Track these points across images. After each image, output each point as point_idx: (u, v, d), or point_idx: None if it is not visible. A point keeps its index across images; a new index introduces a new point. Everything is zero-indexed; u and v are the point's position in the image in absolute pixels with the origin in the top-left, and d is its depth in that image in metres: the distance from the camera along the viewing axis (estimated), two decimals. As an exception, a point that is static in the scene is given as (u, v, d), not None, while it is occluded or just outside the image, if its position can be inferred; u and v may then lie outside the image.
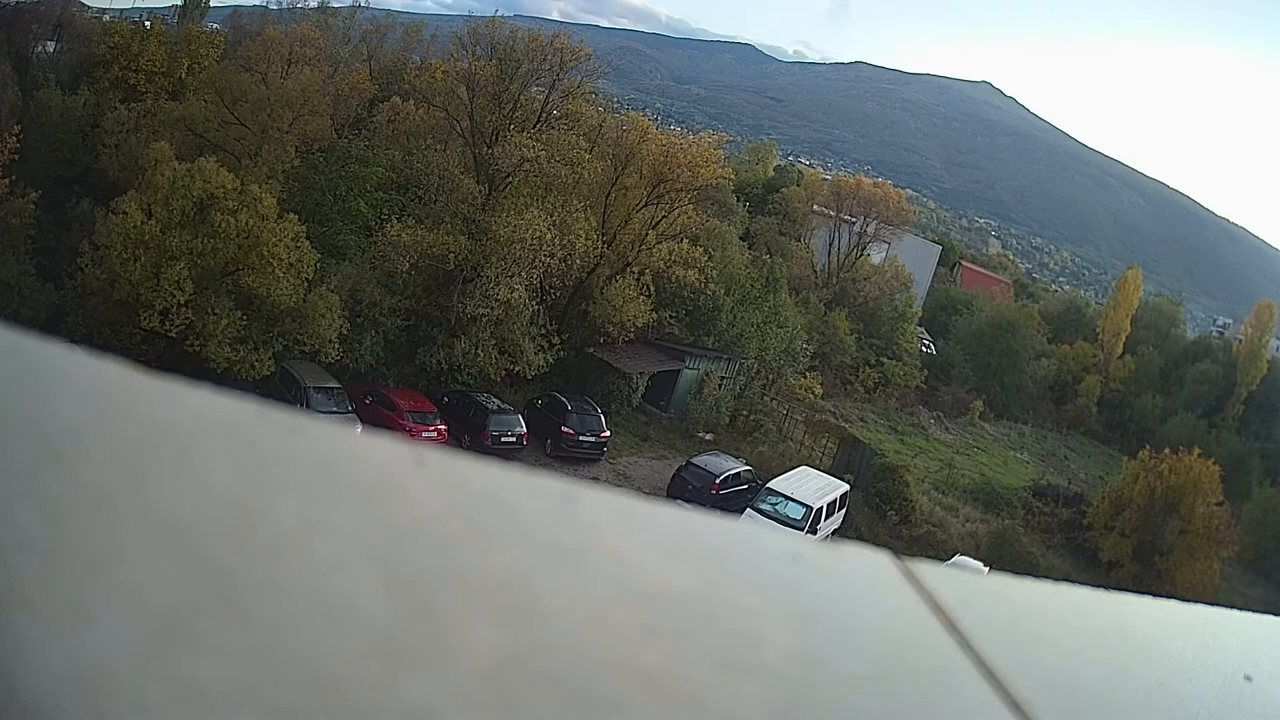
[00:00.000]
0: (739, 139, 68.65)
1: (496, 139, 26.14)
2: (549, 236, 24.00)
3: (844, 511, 23.77)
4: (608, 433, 24.21)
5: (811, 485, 23.08)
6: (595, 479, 20.56)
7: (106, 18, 36.09)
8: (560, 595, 0.64)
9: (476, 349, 24.36)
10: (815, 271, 38.77)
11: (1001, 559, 24.30)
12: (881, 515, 25.37)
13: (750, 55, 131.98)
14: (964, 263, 60.60)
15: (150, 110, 26.14)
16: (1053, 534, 28.46)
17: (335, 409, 20.72)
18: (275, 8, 40.42)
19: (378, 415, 21.59)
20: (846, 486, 24.15)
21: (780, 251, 36.78)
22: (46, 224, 22.57)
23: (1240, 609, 1.15)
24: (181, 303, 20.64)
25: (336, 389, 21.89)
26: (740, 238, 35.96)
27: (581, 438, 23.76)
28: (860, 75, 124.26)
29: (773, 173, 55.05)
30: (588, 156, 26.75)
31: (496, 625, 0.60)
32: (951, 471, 30.85)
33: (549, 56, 27.72)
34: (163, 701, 0.47)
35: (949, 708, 0.72)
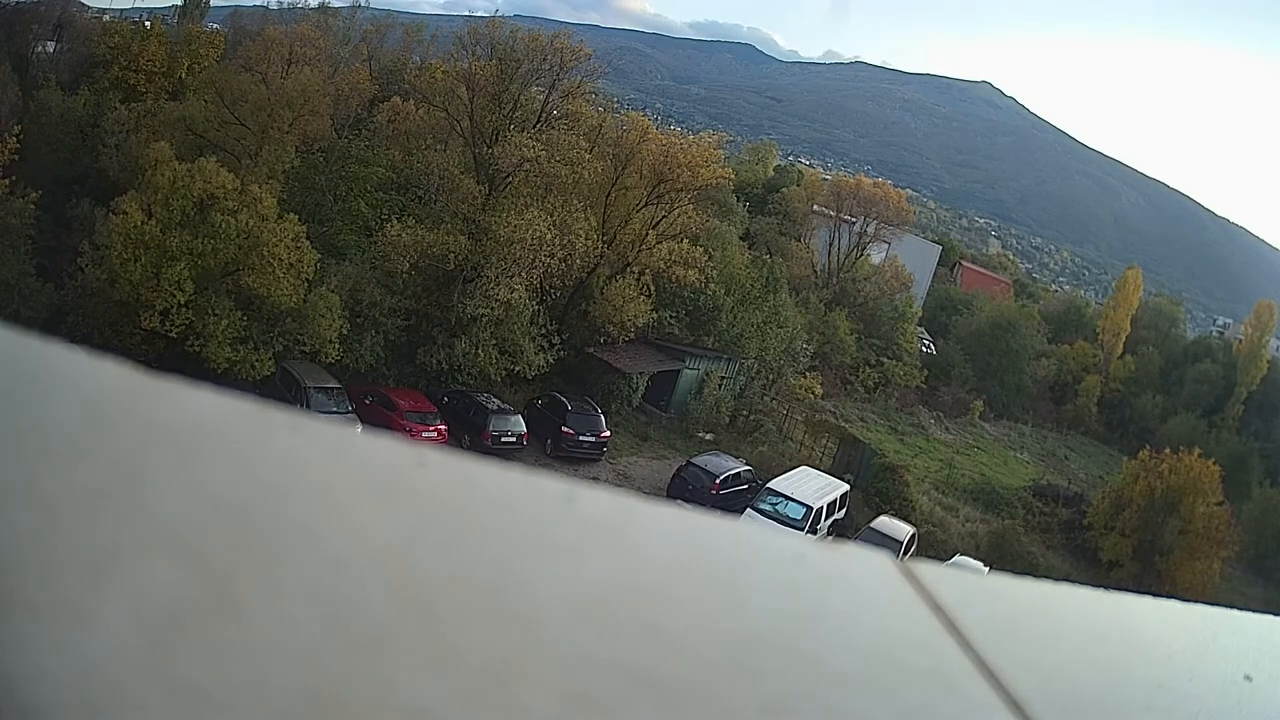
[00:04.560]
0: (739, 139, 68.67)
1: (496, 139, 26.14)
2: (549, 236, 23.99)
3: (844, 511, 23.78)
4: (608, 433, 24.21)
5: (811, 485, 23.08)
6: (595, 479, 20.55)
7: (106, 18, 36.09)
8: (560, 595, 0.64)
9: (477, 349, 24.36)
10: (815, 271, 38.77)
11: (1001, 559, 24.30)
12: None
13: (750, 55, 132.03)
14: (964, 263, 60.62)
15: (150, 110, 26.12)
16: (1053, 534, 28.46)
17: (335, 409, 20.71)
18: (275, 8, 40.54)
19: (378, 415, 21.59)
20: (846, 486, 24.15)
21: (780, 251, 36.78)
22: (46, 224, 22.56)
23: (1240, 609, 1.15)
24: (182, 303, 20.62)
25: (336, 389, 21.87)
26: (740, 238, 35.96)
27: (581, 438, 23.76)
28: (860, 75, 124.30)
29: (773, 173, 55.08)
30: (588, 156, 26.73)
31: (496, 625, 0.60)
32: (951, 471, 30.85)
33: (549, 56, 27.72)
34: (163, 701, 0.47)
35: (949, 708, 0.72)
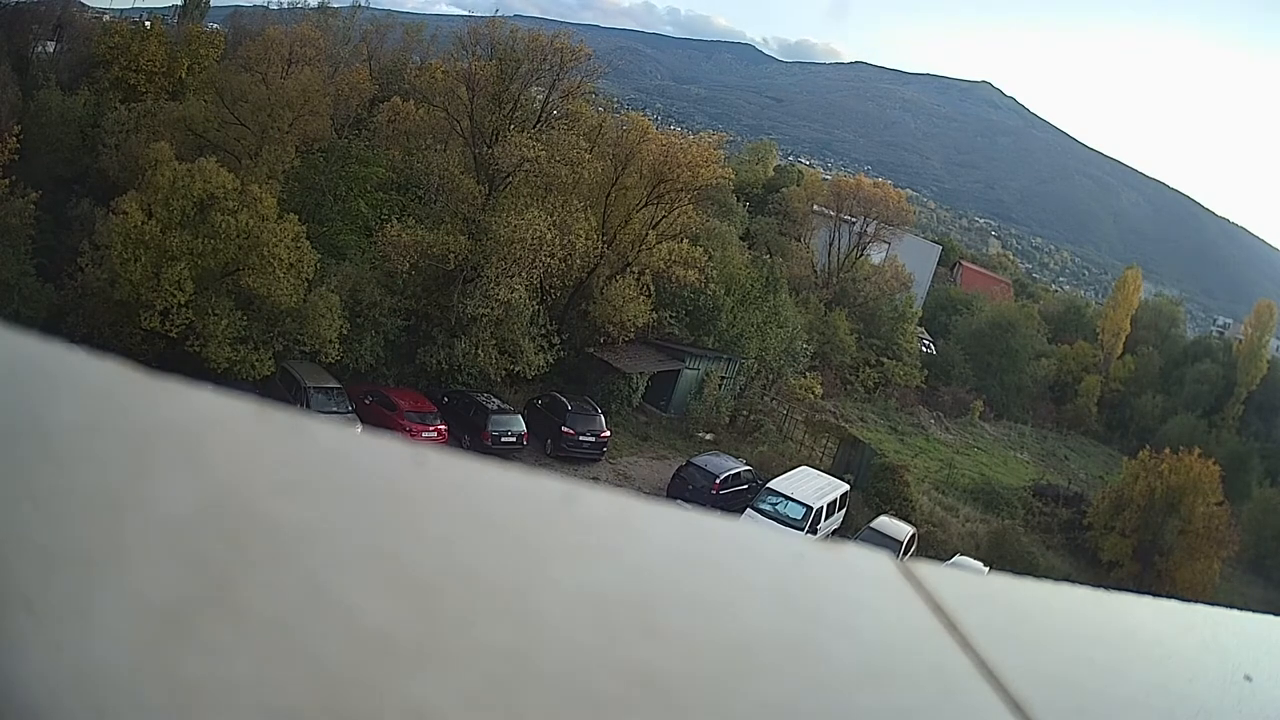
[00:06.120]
0: (739, 139, 68.61)
1: (496, 139, 26.14)
2: (549, 236, 24.00)
3: (844, 511, 23.78)
4: (608, 433, 24.21)
5: (811, 485, 23.08)
6: (595, 479, 20.55)
7: (106, 18, 36.10)
8: (560, 595, 0.64)
9: (476, 349, 24.36)
10: (815, 271, 38.77)
11: (1001, 559, 24.29)
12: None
13: (750, 55, 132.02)
14: (964, 263, 60.62)
15: (150, 110, 26.13)
16: (1053, 534, 28.47)
17: (335, 409, 20.71)
18: (275, 8, 40.59)
19: (378, 415, 21.59)
20: (846, 486, 24.14)
21: (780, 251, 36.80)
22: (46, 224, 22.56)
23: (1240, 609, 1.15)
24: (182, 303, 20.62)
25: (336, 389, 21.87)
26: (740, 238, 35.96)
27: (581, 438, 23.75)
28: (860, 75, 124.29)
29: (773, 173, 55.09)
30: (588, 156, 26.74)
31: (496, 625, 0.60)
32: (951, 471, 30.85)
33: (549, 56, 27.72)
34: (163, 701, 0.47)
35: (949, 708, 0.72)
